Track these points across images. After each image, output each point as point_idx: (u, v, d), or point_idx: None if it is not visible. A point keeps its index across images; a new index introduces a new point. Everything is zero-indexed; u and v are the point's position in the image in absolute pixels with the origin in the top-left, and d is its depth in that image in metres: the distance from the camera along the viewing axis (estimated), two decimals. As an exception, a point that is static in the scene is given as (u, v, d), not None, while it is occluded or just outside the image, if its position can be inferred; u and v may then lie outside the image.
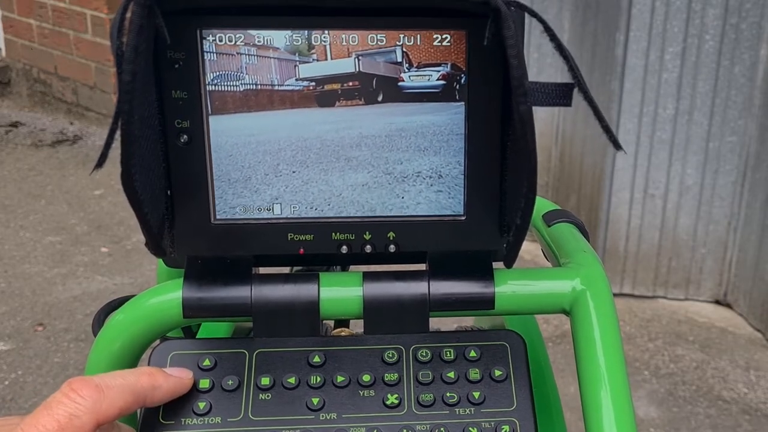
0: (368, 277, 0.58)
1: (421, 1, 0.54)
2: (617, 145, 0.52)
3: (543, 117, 2.66)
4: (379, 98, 0.56)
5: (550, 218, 0.69)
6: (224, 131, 0.56)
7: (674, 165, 2.39)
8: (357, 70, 0.56)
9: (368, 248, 0.58)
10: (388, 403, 0.54)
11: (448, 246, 0.58)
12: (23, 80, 4.19)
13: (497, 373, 0.56)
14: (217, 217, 0.58)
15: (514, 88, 0.47)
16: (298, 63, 0.55)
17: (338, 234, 0.58)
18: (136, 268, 2.67)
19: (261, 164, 0.57)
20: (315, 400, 0.54)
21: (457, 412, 0.54)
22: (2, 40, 4.26)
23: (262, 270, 0.61)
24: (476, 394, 0.55)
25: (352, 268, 0.75)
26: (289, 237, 0.58)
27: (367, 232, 0.58)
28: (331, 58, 0.55)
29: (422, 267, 0.59)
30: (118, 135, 0.46)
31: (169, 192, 0.56)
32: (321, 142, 0.57)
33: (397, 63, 0.56)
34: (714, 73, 2.28)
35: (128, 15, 0.46)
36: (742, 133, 2.32)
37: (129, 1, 0.47)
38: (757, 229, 2.35)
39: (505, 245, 0.58)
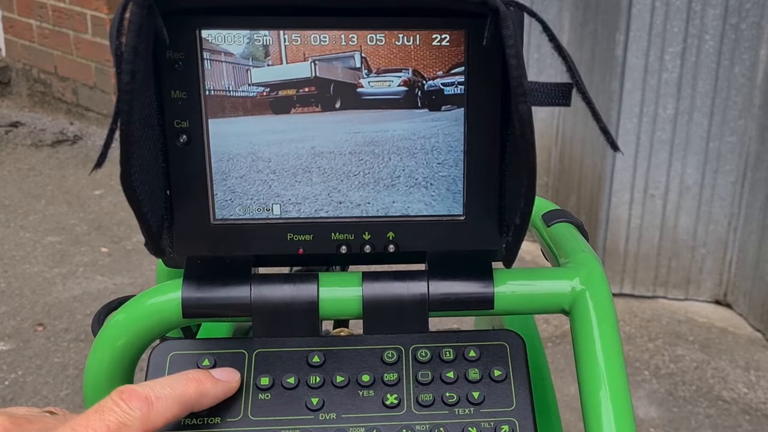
0: (368, 277, 0.58)
1: (421, 1, 0.54)
2: (614, 147, 0.52)
3: (543, 117, 2.66)
4: (337, 105, 0.56)
5: (549, 218, 0.69)
6: (223, 132, 0.56)
7: (674, 165, 2.39)
8: (313, 75, 0.55)
9: (367, 248, 0.58)
10: (387, 403, 0.54)
11: (447, 246, 0.58)
12: (23, 80, 4.19)
13: (497, 373, 0.56)
14: (217, 217, 0.58)
15: (513, 88, 0.47)
16: (251, 67, 0.55)
17: (337, 234, 0.58)
18: (136, 268, 2.68)
19: (260, 165, 0.57)
20: (314, 400, 0.54)
21: (457, 412, 0.54)
22: (2, 40, 4.26)
23: (262, 270, 0.61)
24: (476, 394, 0.55)
25: (351, 268, 0.75)
26: (289, 237, 0.58)
27: (367, 232, 0.58)
28: (287, 62, 0.55)
29: (422, 267, 0.59)
30: (117, 135, 0.46)
31: (168, 192, 0.57)
32: (319, 146, 0.57)
33: (355, 68, 0.55)
34: (714, 73, 2.28)
35: (127, 15, 0.46)
36: (742, 133, 2.32)
37: (128, 1, 0.47)
38: (757, 229, 2.35)
39: (504, 245, 0.58)
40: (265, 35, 0.54)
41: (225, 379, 0.53)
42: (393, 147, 0.57)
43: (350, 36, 0.54)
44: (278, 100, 0.56)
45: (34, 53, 4.06)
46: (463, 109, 0.56)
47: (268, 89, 0.56)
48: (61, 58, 3.92)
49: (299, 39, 0.54)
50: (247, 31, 0.54)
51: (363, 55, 0.55)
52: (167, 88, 0.55)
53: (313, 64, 0.55)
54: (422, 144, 0.57)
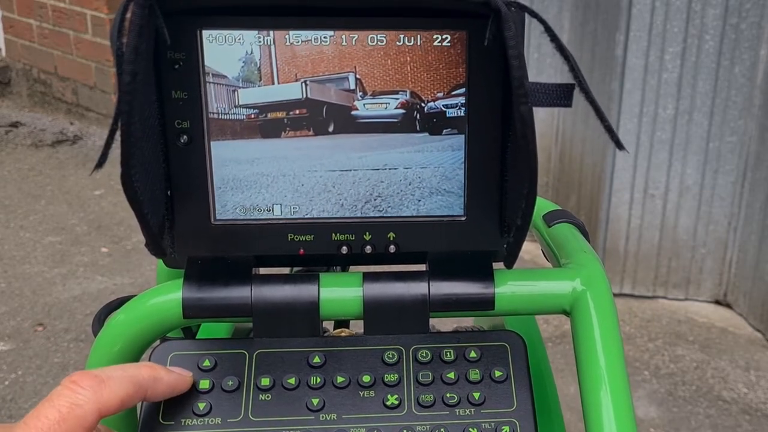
0: (368, 277, 0.58)
1: (422, 1, 0.54)
2: (620, 145, 0.52)
3: (543, 117, 2.66)
4: (330, 128, 0.55)
5: (550, 218, 0.69)
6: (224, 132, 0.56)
7: (674, 165, 2.39)
8: (305, 96, 0.54)
9: (368, 249, 0.58)
10: (388, 403, 0.54)
11: (448, 246, 0.58)
12: (23, 80, 4.18)
13: (497, 373, 0.56)
14: (217, 217, 0.58)
15: (515, 89, 0.47)
16: (239, 88, 0.54)
17: (338, 234, 0.58)
18: (136, 268, 2.67)
19: (261, 165, 0.57)
20: (315, 401, 0.54)
21: (458, 413, 0.54)
22: (2, 40, 4.26)
23: (262, 270, 0.61)
24: (476, 395, 0.55)
25: (352, 268, 0.75)
26: (289, 237, 0.58)
27: (367, 233, 0.58)
28: (278, 83, 0.54)
29: (422, 267, 0.59)
30: (118, 135, 0.46)
31: (169, 192, 0.56)
32: (319, 150, 0.57)
33: (349, 90, 0.54)
34: (714, 73, 2.28)
35: (128, 15, 0.46)
36: (742, 133, 2.32)
37: (129, 1, 0.47)
38: (757, 229, 2.35)
39: (505, 246, 0.58)
40: (256, 53, 0.53)
41: (177, 372, 0.54)
42: (389, 172, 0.57)
43: (351, 36, 0.54)
44: (267, 123, 0.55)
45: (34, 53, 4.06)
46: (464, 109, 0.56)
47: (257, 111, 0.55)
48: (61, 58, 3.92)
49: (292, 57, 0.53)
50: (241, 45, 0.53)
51: (358, 76, 0.54)
52: (168, 88, 0.55)
53: (304, 84, 0.54)
54: (422, 160, 0.57)
